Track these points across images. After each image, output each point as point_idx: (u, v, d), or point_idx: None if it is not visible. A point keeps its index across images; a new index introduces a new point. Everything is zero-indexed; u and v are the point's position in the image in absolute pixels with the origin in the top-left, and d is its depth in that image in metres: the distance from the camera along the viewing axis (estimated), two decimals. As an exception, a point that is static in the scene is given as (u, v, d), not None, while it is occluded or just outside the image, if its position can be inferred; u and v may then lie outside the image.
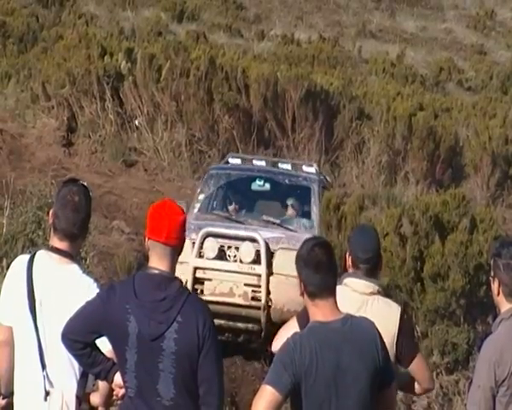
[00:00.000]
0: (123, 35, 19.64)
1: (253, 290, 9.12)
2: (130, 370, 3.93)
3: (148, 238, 3.92)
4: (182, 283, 3.95)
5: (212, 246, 9.34)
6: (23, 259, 4.33)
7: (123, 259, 10.46)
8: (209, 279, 9.24)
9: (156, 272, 3.88)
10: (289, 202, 10.17)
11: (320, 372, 3.76)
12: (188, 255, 8.79)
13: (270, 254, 9.16)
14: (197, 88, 15.37)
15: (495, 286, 4.36)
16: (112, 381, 4.06)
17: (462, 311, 9.89)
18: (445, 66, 23.24)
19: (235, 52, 18.63)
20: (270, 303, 9.04)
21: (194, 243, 9.09)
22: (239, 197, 10.42)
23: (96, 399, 4.32)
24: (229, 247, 9.26)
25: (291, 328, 4.27)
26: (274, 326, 8.47)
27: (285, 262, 8.97)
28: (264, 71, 16.06)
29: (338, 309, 3.87)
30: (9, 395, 4.39)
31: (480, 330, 9.76)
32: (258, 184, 10.62)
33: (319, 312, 3.86)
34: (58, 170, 14.11)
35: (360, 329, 3.88)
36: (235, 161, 11.25)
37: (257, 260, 9.16)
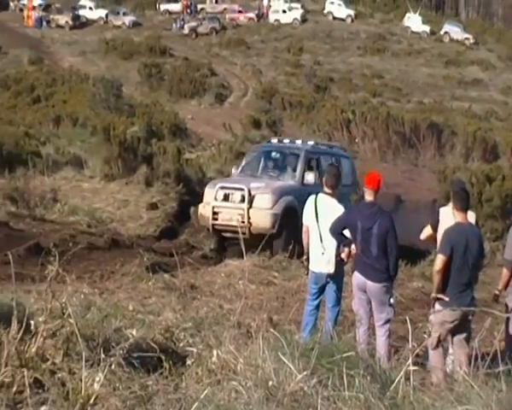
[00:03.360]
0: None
1: (241, 217, 12.52)
2: (358, 242, 6.67)
3: (365, 187, 6.76)
4: (379, 205, 6.60)
5: (220, 193, 12.69)
6: (312, 197, 7.41)
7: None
8: (220, 212, 12.69)
9: (368, 201, 6.75)
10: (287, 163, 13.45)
11: (460, 244, 6.24)
12: (210, 199, 12.79)
13: (252, 197, 12.48)
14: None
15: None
16: (350, 247, 6.85)
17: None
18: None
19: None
20: (250, 223, 12.43)
21: (222, 192, 12.84)
22: (263, 162, 13.68)
23: (343, 255, 7.01)
24: (229, 194, 12.75)
25: (444, 224, 6.60)
26: (252, 235, 12.35)
27: (260, 201, 12.49)
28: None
29: (467, 219, 6.34)
30: (307, 254, 7.35)
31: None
32: (273, 155, 13.95)
33: (460, 218, 6.33)
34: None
35: (474, 229, 6.51)
36: (274, 140, 14.95)
37: (243, 201, 12.58)
